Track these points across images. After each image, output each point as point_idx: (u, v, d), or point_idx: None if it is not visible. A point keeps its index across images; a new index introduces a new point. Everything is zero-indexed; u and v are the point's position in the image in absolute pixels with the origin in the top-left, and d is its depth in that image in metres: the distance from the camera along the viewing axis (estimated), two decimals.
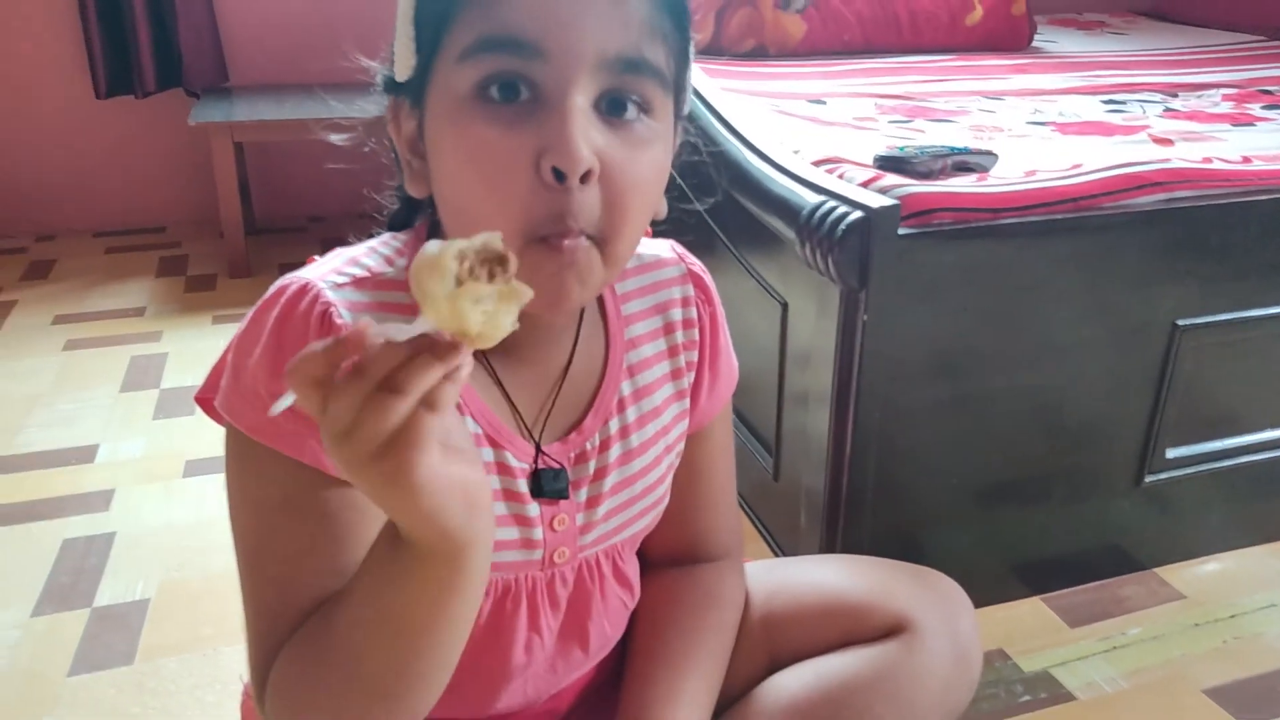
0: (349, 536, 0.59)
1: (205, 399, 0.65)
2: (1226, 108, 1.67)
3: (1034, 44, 2.27)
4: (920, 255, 1.00)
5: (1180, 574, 1.24)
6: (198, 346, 1.91)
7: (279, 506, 0.60)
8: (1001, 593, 1.19)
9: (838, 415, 1.07)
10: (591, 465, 0.69)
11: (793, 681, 0.78)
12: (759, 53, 2.01)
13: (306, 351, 0.43)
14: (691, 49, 0.60)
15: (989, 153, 1.16)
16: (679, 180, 0.63)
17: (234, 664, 1.08)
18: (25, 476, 1.47)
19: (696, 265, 0.75)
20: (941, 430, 1.10)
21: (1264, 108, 1.66)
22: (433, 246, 0.44)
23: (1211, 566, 1.26)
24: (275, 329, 0.59)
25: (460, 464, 0.47)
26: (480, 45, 0.53)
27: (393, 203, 0.69)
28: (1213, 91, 1.81)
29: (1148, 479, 1.19)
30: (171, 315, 2.08)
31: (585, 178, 0.53)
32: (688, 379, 0.74)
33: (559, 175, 0.52)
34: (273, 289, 0.60)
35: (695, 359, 0.74)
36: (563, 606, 0.71)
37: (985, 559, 1.18)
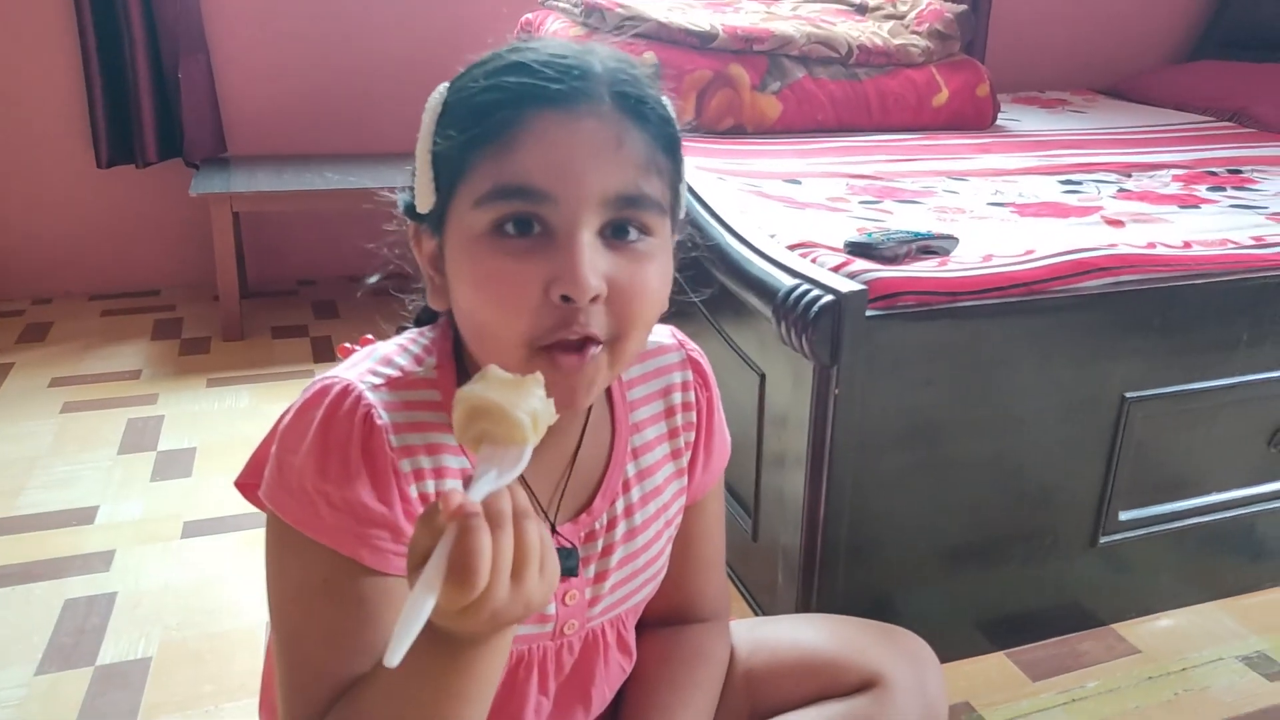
0: (380, 620, 0.64)
1: (246, 485, 0.70)
2: (1175, 188, 1.78)
3: (998, 123, 2.40)
4: (887, 334, 1.08)
5: (1135, 629, 1.31)
6: (193, 409, 1.96)
7: (318, 591, 0.65)
8: (967, 648, 1.26)
9: (812, 480, 1.14)
10: (600, 543, 0.75)
11: None
12: (737, 131, 2.12)
13: (413, 550, 0.50)
14: (683, 170, 0.68)
15: (950, 237, 1.25)
16: (677, 276, 0.71)
17: None
18: (26, 538, 1.51)
19: (696, 351, 0.82)
20: (910, 495, 1.18)
21: (1209, 189, 1.78)
22: (485, 384, 0.53)
23: (1165, 622, 1.33)
24: (321, 429, 0.64)
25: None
26: (496, 193, 0.60)
27: (418, 301, 0.74)
28: (1164, 172, 1.93)
29: (1103, 540, 1.27)
30: (167, 378, 2.13)
31: (594, 300, 0.60)
32: (686, 458, 0.80)
33: (567, 300, 0.60)
34: (314, 389, 0.66)
35: (693, 439, 0.80)
36: (567, 671, 0.76)
37: (952, 616, 1.24)
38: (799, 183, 1.70)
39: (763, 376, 1.24)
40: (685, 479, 0.80)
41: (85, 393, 2.04)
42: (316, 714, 0.64)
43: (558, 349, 0.62)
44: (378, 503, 0.64)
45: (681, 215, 0.70)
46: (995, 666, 1.24)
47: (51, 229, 2.57)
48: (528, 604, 0.52)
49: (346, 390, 0.65)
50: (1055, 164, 1.97)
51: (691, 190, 1.42)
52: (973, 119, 2.34)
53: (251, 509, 0.70)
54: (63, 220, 2.57)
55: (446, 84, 0.66)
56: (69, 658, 1.23)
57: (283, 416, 0.67)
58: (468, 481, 0.51)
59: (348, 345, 0.72)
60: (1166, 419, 1.24)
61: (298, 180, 2.35)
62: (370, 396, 0.65)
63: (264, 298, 2.63)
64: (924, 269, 1.14)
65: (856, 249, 1.19)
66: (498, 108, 0.61)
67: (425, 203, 0.66)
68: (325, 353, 2.23)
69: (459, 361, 0.70)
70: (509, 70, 0.62)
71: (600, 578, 0.75)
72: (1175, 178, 1.88)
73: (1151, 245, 1.26)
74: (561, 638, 0.74)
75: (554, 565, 0.54)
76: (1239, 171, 1.94)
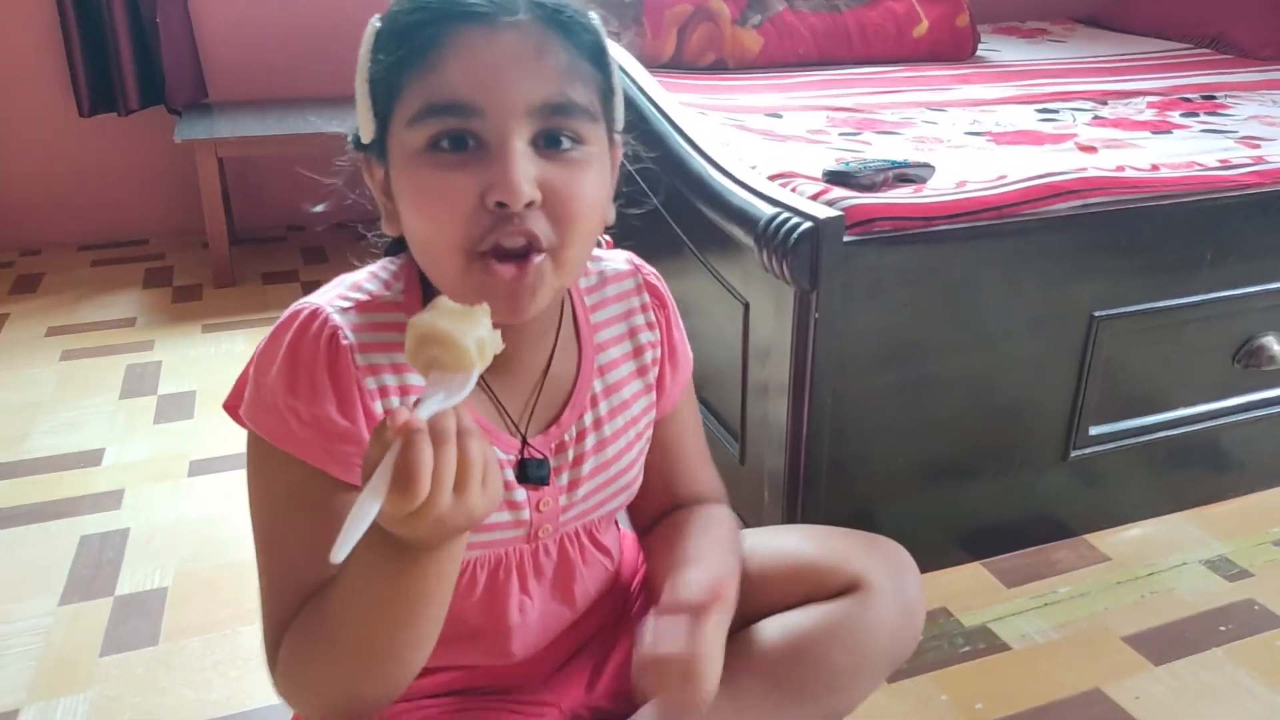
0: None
1: (231, 407, 0.75)
2: (1149, 115, 1.82)
3: (978, 53, 2.41)
4: (864, 259, 1.12)
5: (1106, 539, 1.38)
6: (190, 354, 2.00)
7: (292, 501, 0.70)
8: (945, 559, 1.32)
9: (794, 403, 1.19)
10: (570, 454, 0.80)
11: (761, 635, 0.89)
12: (719, 66, 2.14)
13: (367, 456, 0.54)
14: (615, 80, 0.71)
15: (926, 165, 1.29)
16: (623, 189, 0.75)
17: (252, 643, 1.18)
18: (37, 479, 1.55)
19: (652, 273, 0.87)
20: (888, 414, 1.23)
21: (1182, 115, 1.81)
22: (434, 314, 0.57)
23: (1133, 532, 1.40)
24: (290, 349, 0.70)
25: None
26: (426, 112, 0.64)
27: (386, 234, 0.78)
28: (1139, 99, 1.96)
29: (1074, 454, 1.33)
30: (161, 325, 2.16)
31: (529, 206, 0.64)
32: (652, 374, 0.85)
33: (501, 206, 0.64)
34: (287, 313, 0.71)
35: (658, 355, 0.86)
36: (548, 574, 0.82)
37: (930, 529, 1.31)
38: (780, 116, 1.73)
39: (747, 306, 1.28)
40: (653, 394, 0.85)
41: (82, 341, 2.07)
42: (290, 613, 0.69)
43: (495, 257, 0.65)
44: (343, 418, 0.69)
45: (618, 126, 0.73)
46: (972, 575, 1.31)
47: (36, 179, 2.57)
48: (470, 514, 0.56)
49: (315, 314, 0.70)
50: (1033, 93, 2.00)
51: (674, 125, 1.45)
52: (952, 50, 2.35)
53: None
54: (47, 171, 2.57)
55: (379, 14, 0.69)
56: (89, 589, 1.29)
57: (261, 342, 0.72)
58: (418, 402, 0.55)
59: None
60: (1134, 336, 1.30)
61: (281, 125, 2.35)
62: (337, 319, 0.70)
63: (252, 244, 2.65)
64: (900, 196, 1.17)
65: (835, 178, 1.23)
66: (421, 28, 0.64)
67: (367, 131, 0.69)
68: None
69: (426, 286, 0.74)
70: None
71: (573, 486, 0.80)
72: (1150, 104, 1.91)
73: (1120, 169, 1.30)
74: (536, 541, 0.80)
75: (496, 479, 0.58)
76: (1213, 97, 1.97)
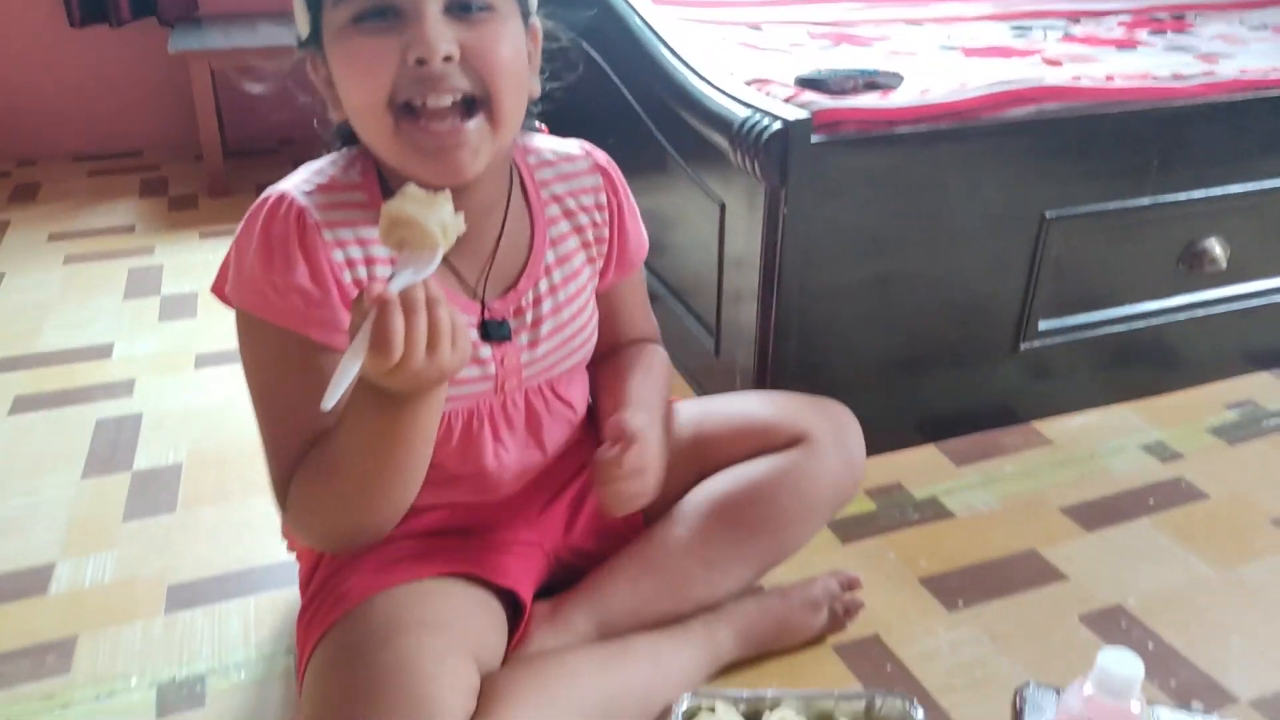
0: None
1: (218, 289, 0.85)
2: (1119, 33, 1.88)
3: None
4: (830, 159, 1.20)
5: (1052, 425, 1.49)
6: (190, 259, 2.07)
7: (279, 365, 0.81)
8: (902, 441, 1.43)
9: (763, 296, 1.28)
10: (528, 316, 0.91)
11: (716, 483, 1.01)
12: None
13: (350, 325, 0.64)
14: None
15: (895, 74, 1.36)
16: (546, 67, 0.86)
17: (264, 510, 1.28)
18: (50, 370, 1.64)
19: (603, 159, 0.97)
20: (852, 308, 1.32)
21: (1150, 33, 1.87)
22: (402, 199, 0.66)
23: (1078, 420, 1.51)
24: (264, 230, 0.79)
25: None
26: None
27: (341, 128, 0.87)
28: (1110, 18, 2.02)
29: (1024, 346, 1.43)
30: (160, 232, 2.23)
31: (447, 61, 0.73)
32: (597, 250, 0.96)
33: (421, 62, 0.73)
34: (259, 200, 0.81)
35: (606, 235, 0.96)
36: (519, 424, 0.93)
37: (889, 414, 1.41)
38: (760, 29, 1.78)
39: (723, 206, 1.36)
40: (598, 267, 0.96)
41: (84, 246, 2.14)
42: (290, 464, 0.80)
43: (427, 118, 0.74)
44: (314, 286, 0.79)
45: (532, 9, 0.83)
46: (925, 455, 1.42)
47: (30, 90, 2.60)
48: (442, 370, 0.67)
49: (282, 197, 0.80)
50: (1009, 10, 2.05)
51: (658, 35, 1.51)
52: None
53: None
54: (40, 81, 2.60)
55: None
56: (108, 465, 1.39)
57: (238, 228, 0.82)
58: (392, 277, 0.65)
59: None
60: (1083, 237, 1.39)
61: (273, 37, 2.39)
62: (303, 200, 0.80)
63: (244, 156, 2.69)
64: (866, 100, 1.25)
65: (807, 83, 1.30)
66: None
67: (304, 26, 0.79)
68: None
69: (380, 169, 0.84)
70: None
71: (533, 345, 0.91)
72: (1120, 23, 1.97)
73: (1076, 79, 1.38)
74: (504, 394, 0.90)
75: (465, 341, 0.68)
76: (1182, 17, 2.03)
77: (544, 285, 0.91)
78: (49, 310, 1.85)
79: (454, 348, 0.67)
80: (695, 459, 1.03)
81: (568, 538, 1.01)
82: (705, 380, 1.56)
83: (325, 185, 0.82)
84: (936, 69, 1.50)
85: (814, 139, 1.18)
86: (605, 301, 1.00)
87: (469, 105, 0.76)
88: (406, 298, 0.63)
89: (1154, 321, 1.51)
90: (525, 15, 0.82)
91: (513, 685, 0.81)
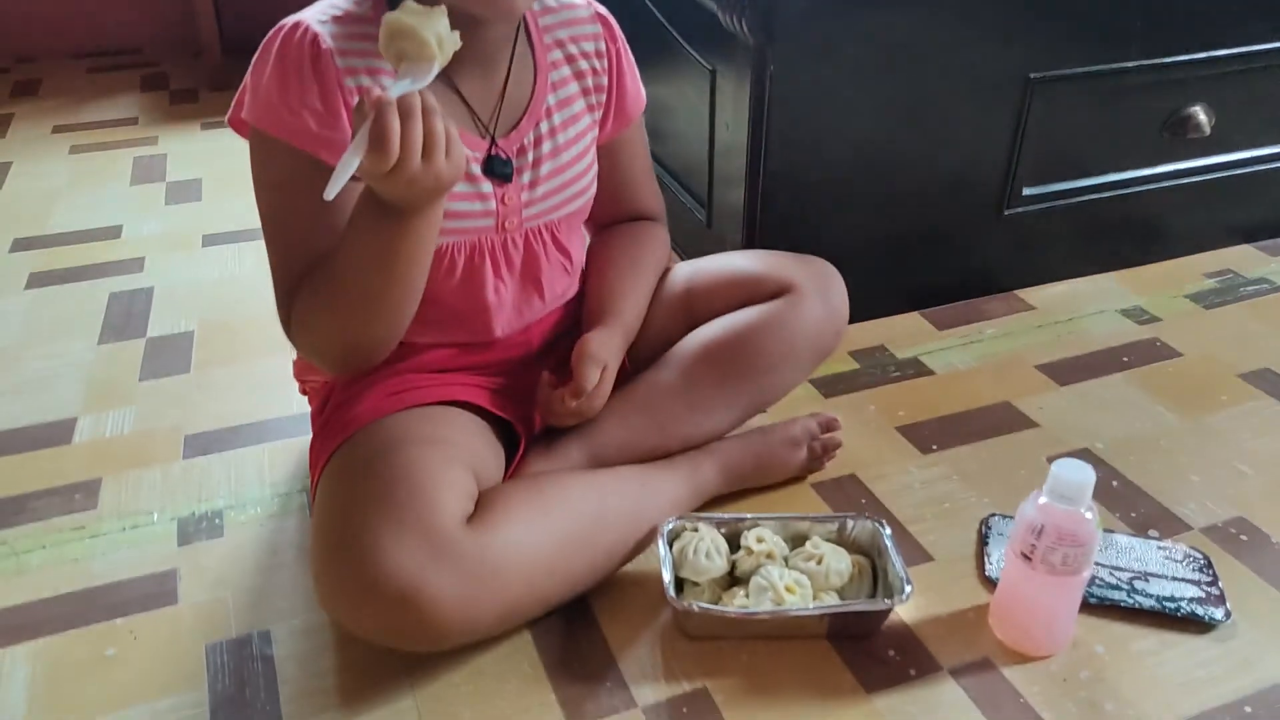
0: (338, 206, 0.83)
1: (234, 120, 0.89)
2: None
3: None
4: (816, 18, 1.22)
5: (1034, 293, 1.54)
6: (192, 148, 2.10)
7: (288, 186, 0.86)
8: (889, 309, 1.48)
9: (751, 163, 1.31)
10: (530, 156, 0.95)
11: (706, 331, 1.06)
12: None
13: (353, 128, 0.69)
14: None
15: None
16: None
17: (273, 370, 1.33)
18: (62, 250, 1.69)
19: (603, 10, 1.00)
20: (839, 175, 1.35)
21: None
22: (402, 11, 0.69)
23: (1061, 288, 1.55)
24: (279, 53, 0.83)
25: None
26: None
27: None
28: None
29: (1008, 212, 1.46)
30: (162, 124, 2.25)
31: None
32: (596, 98, 1.00)
33: None
34: (275, 28, 0.84)
35: (605, 83, 1.00)
36: (518, 264, 0.98)
37: (877, 282, 1.45)
38: None
39: (713, 71, 1.38)
40: (597, 115, 1.00)
41: (88, 137, 2.17)
42: (295, 276, 0.86)
43: None
44: (326, 109, 0.83)
45: None
46: (909, 320, 1.47)
47: None
48: (438, 177, 0.71)
49: (298, 24, 0.84)
50: None
51: None
52: None
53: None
54: None
55: None
56: (122, 332, 1.44)
57: (255, 56, 0.86)
58: (391, 87, 0.69)
59: None
60: (1067, 100, 1.41)
61: None
62: (317, 28, 0.84)
63: (243, 54, 2.69)
64: None
65: None
66: None
67: None
68: None
69: (391, 4, 0.86)
70: None
71: (533, 185, 0.95)
72: None
73: None
74: (504, 233, 0.95)
75: (459, 152, 0.73)
76: None
77: (544, 126, 0.95)
78: (57, 196, 1.89)
79: (449, 157, 0.71)
80: (686, 311, 1.09)
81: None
82: (695, 251, 1.60)
83: (339, 17, 0.85)
84: None
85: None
86: (607, 158, 1.04)
87: None
88: (404, 103, 0.68)
89: (1138, 190, 1.54)
90: None
91: (509, 493, 0.87)
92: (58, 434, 1.23)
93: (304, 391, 1.10)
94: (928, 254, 1.47)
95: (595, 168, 1.02)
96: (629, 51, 1.02)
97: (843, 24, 1.25)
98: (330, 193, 0.66)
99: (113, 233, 1.75)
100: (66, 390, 1.31)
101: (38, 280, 1.59)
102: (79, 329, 1.45)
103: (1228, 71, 1.48)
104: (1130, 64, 1.41)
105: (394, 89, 0.68)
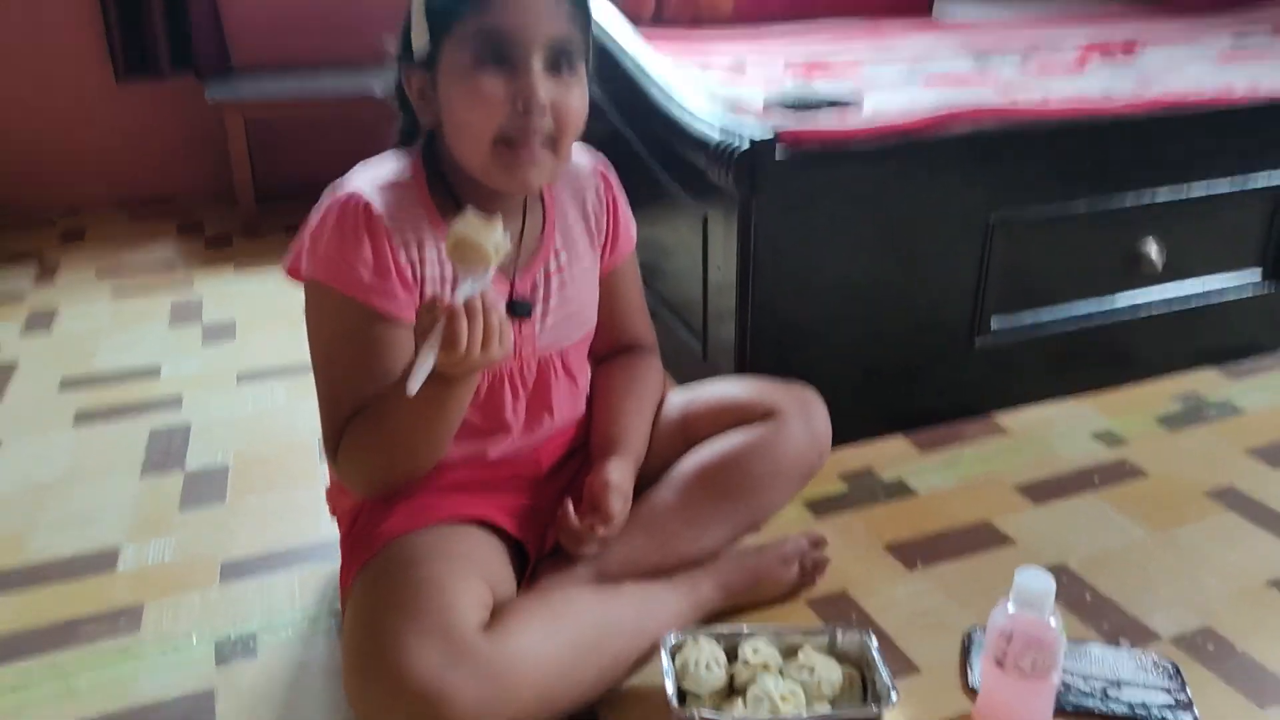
0: (388, 354, 0.98)
1: (292, 270, 1.03)
2: (1071, 62, 2.05)
3: (937, 12, 2.64)
4: (794, 172, 1.37)
5: (1009, 417, 1.64)
6: (228, 290, 2.26)
7: (342, 334, 1.00)
8: (873, 431, 1.58)
9: (740, 296, 1.44)
10: (541, 292, 1.10)
11: (699, 453, 1.18)
12: (695, 21, 2.37)
13: (419, 326, 0.85)
14: (591, 25, 1.01)
15: (855, 100, 1.53)
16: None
17: (307, 500, 1.44)
18: (106, 389, 1.82)
19: (605, 164, 1.18)
20: (818, 310, 1.48)
21: (1100, 61, 2.04)
22: (465, 225, 0.85)
23: (1034, 412, 1.66)
24: (337, 220, 0.98)
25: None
26: (480, 35, 0.93)
27: (397, 133, 1.09)
28: (1067, 48, 2.19)
29: (978, 342, 1.58)
30: (198, 268, 2.42)
31: (542, 111, 0.93)
32: (598, 238, 1.16)
33: (525, 110, 0.94)
34: (330, 199, 1.00)
35: (603, 224, 1.16)
36: (530, 385, 1.11)
37: (862, 407, 1.56)
38: (742, 65, 1.96)
39: (705, 217, 1.53)
40: (599, 253, 1.16)
41: (129, 281, 2.33)
42: (342, 418, 0.99)
43: (519, 145, 0.95)
44: (377, 263, 0.98)
45: (591, 59, 1.03)
46: (893, 443, 1.57)
47: (75, 143, 2.81)
48: (490, 360, 0.88)
49: (353, 195, 0.99)
50: (976, 45, 2.22)
51: (646, 75, 1.69)
52: (908, 7, 2.59)
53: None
54: (85, 135, 2.81)
55: None
56: (163, 467, 1.56)
57: (311, 222, 1.01)
58: (455, 289, 0.85)
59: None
60: (1027, 239, 1.54)
61: (301, 87, 2.60)
62: (369, 197, 0.99)
63: (274, 200, 2.89)
64: (825, 121, 1.42)
65: (774, 106, 1.47)
66: None
67: (421, 46, 0.98)
68: None
69: (429, 171, 1.03)
70: None
71: (543, 316, 1.10)
72: (1076, 46, 2.13)
73: (1014, 101, 1.55)
74: (519, 359, 1.09)
75: (509, 338, 0.89)
76: (1133, 45, 2.20)
77: (553, 265, 1.11)
78: (101, 336, 2.04)
79: (500, 344, 0.86)
80: (682, 434, 1.20)
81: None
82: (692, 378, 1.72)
83: (385, 186, 1.01)
84: (895, 96, 1.67)
85: (779, 155, 1.35)
86: (605, 290, 1.19)
87: (546, 140, 0.97)
88: (469, 306, 0.84)
89: (1101, 319, 1.66)
90: (588, 66, 1.03)
91: (521, 604, 0.97)
92: (103, 563, 1.32)
93: (334, 513, 1.20)
94: (907, 380, 1.58)
95: (597, 295, 1.17)
96: (624, 194, 1.19)
97: (819, 177, 1.40)
98: (412, 389, 0.82)
99: (152, 372, 1.88)
100: (112, 522, 1.41)
101: (84, 418, 1.71)
102: (122, 463, 1.57)
103: (1172, 211, 1.63)
104: (1081, 206, 1.56)
105: (460, 292, 0.84)
